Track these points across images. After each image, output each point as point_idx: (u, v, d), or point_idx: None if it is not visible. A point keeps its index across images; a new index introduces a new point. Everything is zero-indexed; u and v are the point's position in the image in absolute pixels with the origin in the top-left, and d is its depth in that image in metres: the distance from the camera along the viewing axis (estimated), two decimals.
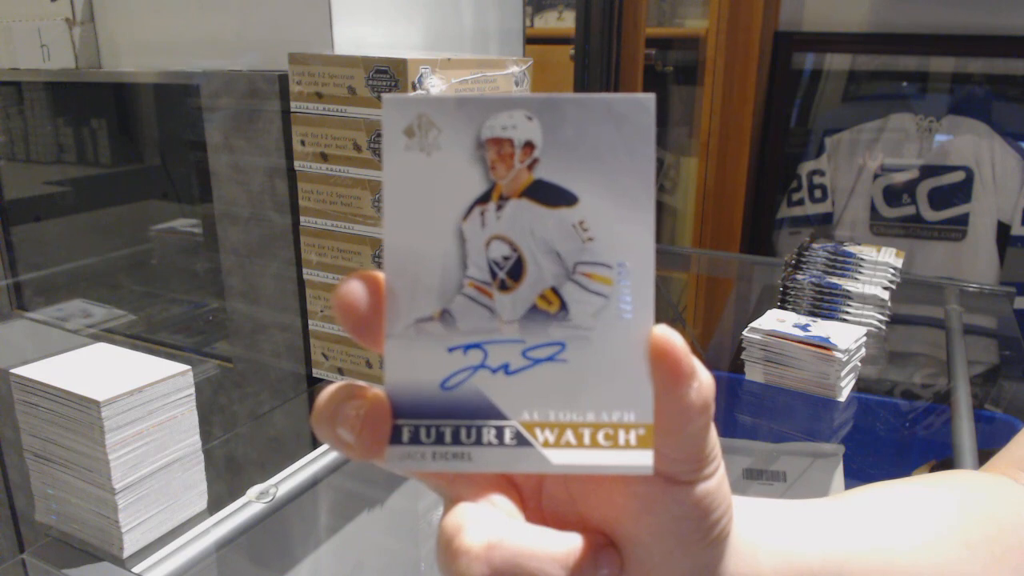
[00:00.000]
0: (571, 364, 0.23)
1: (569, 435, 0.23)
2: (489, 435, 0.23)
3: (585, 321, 0.23)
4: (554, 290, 0.23)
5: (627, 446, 0.23)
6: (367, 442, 0.23)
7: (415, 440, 0.23)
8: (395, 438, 0.23)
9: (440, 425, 0.23)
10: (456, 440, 0.23)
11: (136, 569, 0.67)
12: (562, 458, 0.23)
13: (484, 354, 0.23)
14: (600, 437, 0.23)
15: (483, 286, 0.23)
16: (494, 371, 0.23)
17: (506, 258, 0.23)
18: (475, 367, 0.23)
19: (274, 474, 0.80)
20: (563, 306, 0.23)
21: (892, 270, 1.22)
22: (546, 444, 0.23)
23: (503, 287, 0.23)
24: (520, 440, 0.23)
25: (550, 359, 0.23)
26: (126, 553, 0.68)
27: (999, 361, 1.30)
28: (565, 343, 0.23)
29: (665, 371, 0.23)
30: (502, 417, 0.23)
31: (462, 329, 0.23)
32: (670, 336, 0.22)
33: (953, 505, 0.36)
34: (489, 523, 0.23)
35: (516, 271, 0.23)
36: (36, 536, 0.73)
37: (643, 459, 0.23)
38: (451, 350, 0.23)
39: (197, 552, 0.70)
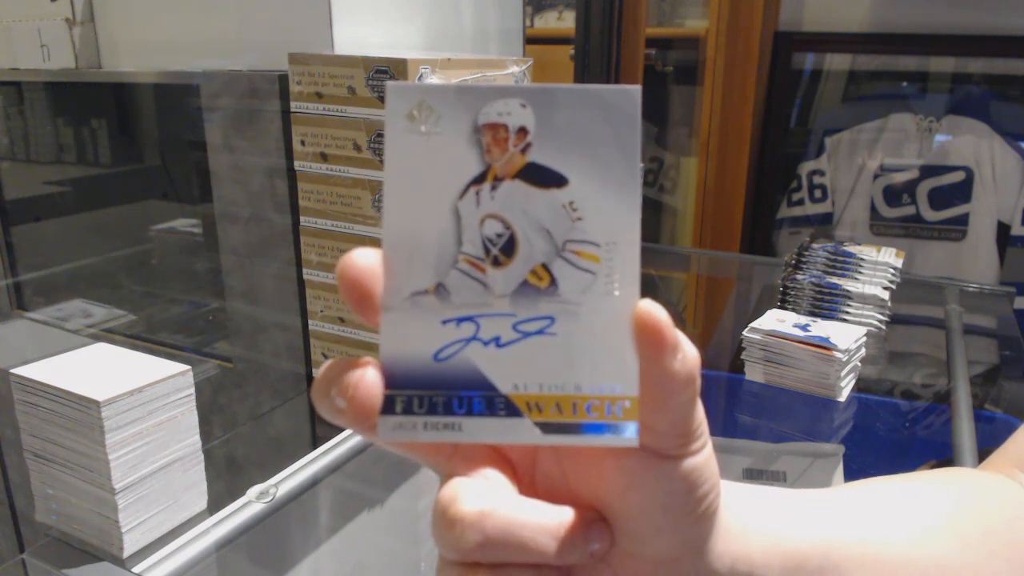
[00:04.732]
0: (560, 338, 0.24)
1: (557, 407, 0.24)
2: (480, 406, 0.24)
3: (574, 296, 0.24)
4: (544, 266, 0.24)
5: (613, 418, 0.24)
6: (359, 408, 0.23)
7: (407, 410, 0.24)
8: (388, 408, 0.24)
9: (432, 396, 0.24)
10: (448, 410, 0.24)
11: (136, 569, 0.67)
12: (551, 429, 0.24)
13: (476, 327, 0.24)
14: (587, 409, 0.24)
15: (477, 261, 0.24)
16: (486, 343, 0.24)
17: (499, 235, 0.24)
18: (467, 339, 0.24)
19: (274, 474, 0.80)
20: (553, 282, 0.24)
21: (892, 270, 1.22)
22: (535, 415, 0.24)
23: (496, 263, 0.24)
24: (510, 411, 0.24)
25: (540, 332, 0.24)
26: (126, 553, 0.68)
27: (999, 361, 1.30)
28: (554, 317, 0.24)
29: (649, 343, 0.23)
30: (493, 388, 0.24)
31: (456, 302, 0.24)
32: (654, 309, 0.23)
33: (948, 500, 0.36)
34: (483, 494, 0.24)
35: (508, 248, 0.24)
36: (36, 536, 0.73)
37: (629, 431, 0.24)
38: (445, 323, 0.24)
39: (197, 552, 0.70)
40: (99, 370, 0.69)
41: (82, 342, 0.82)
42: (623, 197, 0.24)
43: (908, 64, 2.00)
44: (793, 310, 1.18)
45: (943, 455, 0.90)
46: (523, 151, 0.24)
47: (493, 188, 0.24)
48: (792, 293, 1.20)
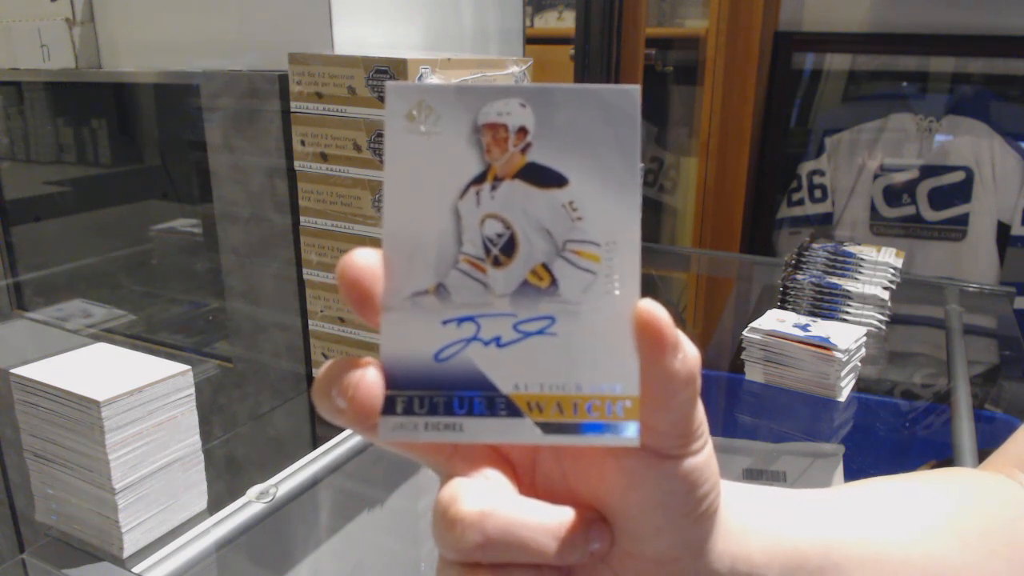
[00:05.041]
0: (560, 337, 0.24)
1: (558, 407, 0.24)
2: (481, 406, 0.24)
3: (574, 296, 0.24)
4: (545, 266, 0.24)
5: (614, 417, 0.24)
6: (359, 408, 0.23)
7: (408, 411, 0.24)
8: (388, 408, 0.24)
9: (433, 396, 0.24)
10: (448, 411, 0.24)
11: (136, 569, 0.67)
12: (551, 429, 0.24)
13: (477, 327, 0.24)
14: (588, 409, 0.24)
15: (477, 261, 0.24)
16: (486, 343, 0.24)
17: (499, 235, 0.24)
18: (468, 339, 0.24)
19: (274, 474, 0.80)
20: (553, 281, 0.24)
21: (892, 270, 1.22)
22: (536, 415, 0.24)
23: (496, 263, 0.24)
24: (511, 411, 0.24)
25: (540, 332, 0.24)
26: (126, 553, 0.68)
27: (999, 361, 1.30)
28: (555, 317, 0.24)
29: (649, 342, 0.23)
30: (493, 389, 0.24)
31: (456, 302, 0.24)
32: (654, 309, 0.23)
33: (948, 500, 0.36)
34: (483, 494, 0.24)
35: (509, 248, 0.24)
36: (36, 536, 0.73)
37: (630, 431, 0.23)
38: (445, 323, 0.24)
39: (197, 552, 0.70)
40: (99, 370, 0.69)
41: (82, 342, 0.82)
42: (623, 197, 0.24)
43: (908, 64, 2.00)
44: (793, 310, 1.18)
45: (943, 455, 0.90)
46: (523, 151, 0.24)
47: (493, 188, 0.24)
48: (792, 293, 1.20)
